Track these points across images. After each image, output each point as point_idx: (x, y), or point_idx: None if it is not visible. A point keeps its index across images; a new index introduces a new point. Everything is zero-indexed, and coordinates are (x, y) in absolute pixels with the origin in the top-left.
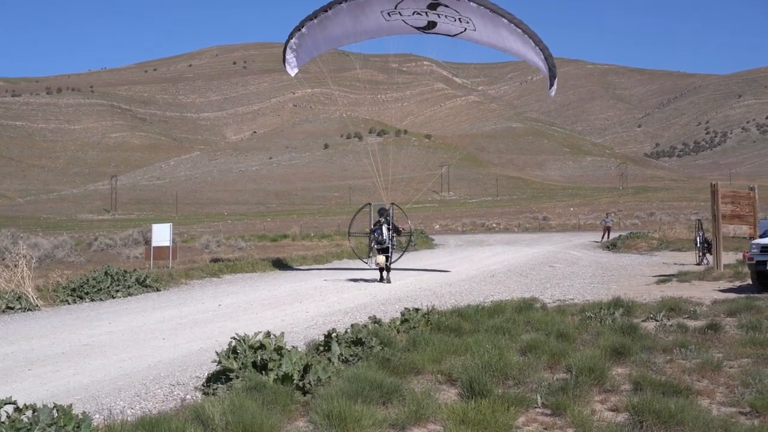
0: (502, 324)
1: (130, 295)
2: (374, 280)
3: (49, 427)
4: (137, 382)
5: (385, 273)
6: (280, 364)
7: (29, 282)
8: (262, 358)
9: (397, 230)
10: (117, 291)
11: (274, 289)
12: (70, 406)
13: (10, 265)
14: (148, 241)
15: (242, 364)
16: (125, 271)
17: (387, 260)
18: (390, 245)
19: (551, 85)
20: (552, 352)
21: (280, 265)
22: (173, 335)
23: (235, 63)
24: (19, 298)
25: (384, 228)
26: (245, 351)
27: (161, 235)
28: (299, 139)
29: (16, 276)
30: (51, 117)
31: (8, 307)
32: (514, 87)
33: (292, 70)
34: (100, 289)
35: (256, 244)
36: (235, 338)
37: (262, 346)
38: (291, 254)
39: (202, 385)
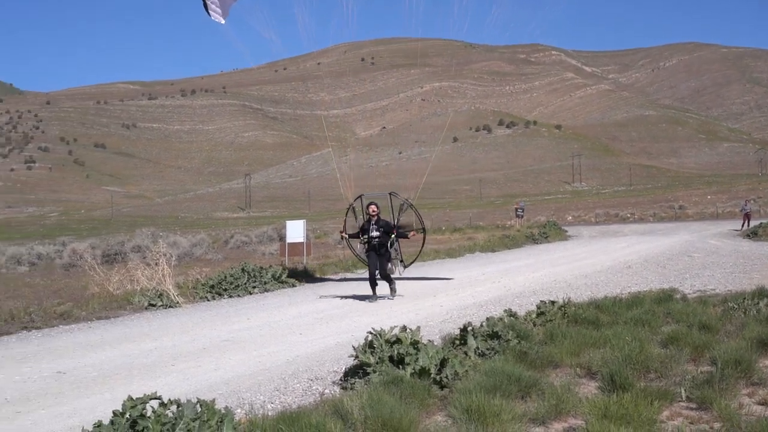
0: (641, 316)
1: (266, 291)
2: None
3: (193, 421)
4: (276, 376)
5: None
6: (417, 359)
7: (170, 280)
8: (398, 353)
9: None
10: (254, 287)
11: (407, 283)
12: (213, 401)
13: (151, 263)
14: (282, 238)
15: (379, 358)
16: (261, 268)
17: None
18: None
19: None
20: (694, 344)
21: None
22: (310, 330)
23: (363, 59)
24: (161, 295)
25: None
26: (382, 345)
27: (295, 231)
28: (428, 133)
29: (158, 274)
30: (186, 118)
31: (150, 305)
32: (646, 74)
33: (222, 18)
34: (238, 286)
35: None
36: (371, 333)
37: (398, 341)
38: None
39: (340, 379)
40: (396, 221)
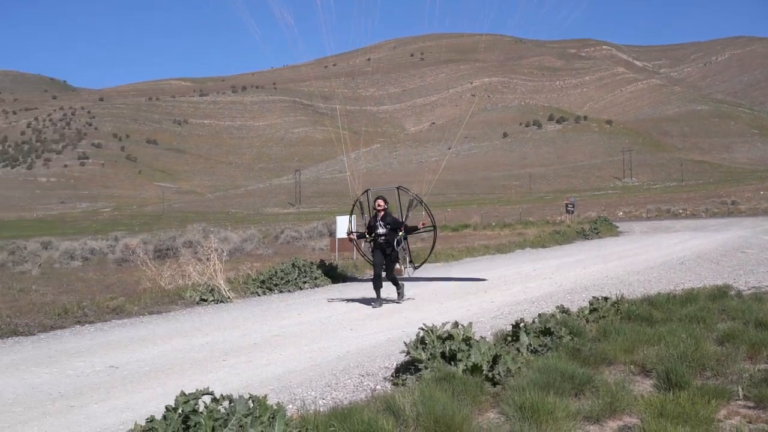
0: (696, 312)
1: (317, 286)
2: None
3: (245, 417)
4: (327, 372)
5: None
6: (469, 355)
7: (221, 275)
8: (450, 349)
9: (394, 227)
10: (304, 282)
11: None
12: (265, 396)
13: (202, 258)
14: (332, 233)
15: (431, 354)
16: (311, 263)
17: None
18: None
19: None
20: (751, 341)
21: (461, 254)
22: (360, 326)
23: (412, 55)
24: (212, 290)
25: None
26: (433, 341)
27: (345, 226)
28: (478, 129)
29: (209, 269)
30: (237, 115)
31: (202, 299)
32: (698, 68)
33: None
34: (288, 281)
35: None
36: (423, 329)
37: (450, 337)
38: (473, 244)
39: (391, 375)
40: (405, 218)
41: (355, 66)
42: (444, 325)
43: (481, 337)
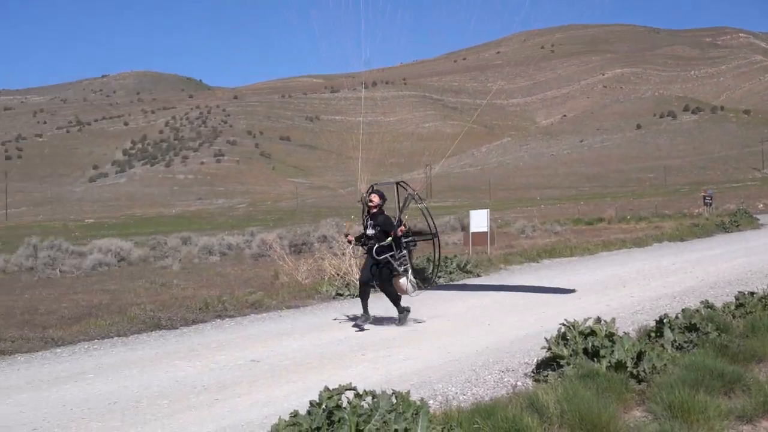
0: None
1: (451, 281)
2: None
3: (389, 413)
4: (466, 367)
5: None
6: (612, 351)
7: (357, 269)
8: (593, 345)
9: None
10: (439, 277)
11: (594, 273)
12: (408, 392)
13: (337, 253)
14: (465, 228)
15: (573, 350)
16: (446, 257)
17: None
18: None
19: None
20: None
21: (597, 248)
22: (498, 320)
23: (542, 47)
24: (348, 284)
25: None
26: (575, 337)
27: (479, 221)
28: (610, 121)
29: (344, 264)
30: (367, 110)
31: (338, 294)
32: None
33: None
34: (423, 276)
35: (571, 228)
36: (564, 324)
37: (592, 333)
38: (608, 237)
39: (532, 371)
40: (398, 218)
41: (484, 60)
42: (585, 320)
43: (624, 332)
